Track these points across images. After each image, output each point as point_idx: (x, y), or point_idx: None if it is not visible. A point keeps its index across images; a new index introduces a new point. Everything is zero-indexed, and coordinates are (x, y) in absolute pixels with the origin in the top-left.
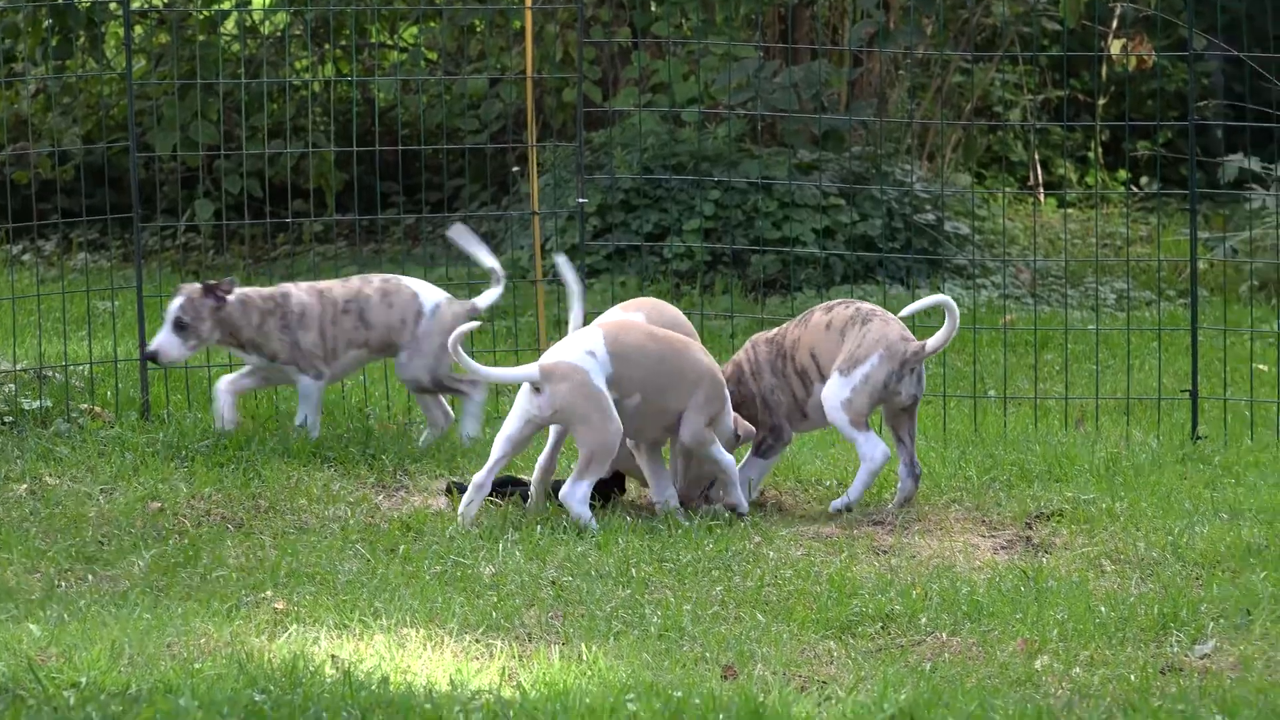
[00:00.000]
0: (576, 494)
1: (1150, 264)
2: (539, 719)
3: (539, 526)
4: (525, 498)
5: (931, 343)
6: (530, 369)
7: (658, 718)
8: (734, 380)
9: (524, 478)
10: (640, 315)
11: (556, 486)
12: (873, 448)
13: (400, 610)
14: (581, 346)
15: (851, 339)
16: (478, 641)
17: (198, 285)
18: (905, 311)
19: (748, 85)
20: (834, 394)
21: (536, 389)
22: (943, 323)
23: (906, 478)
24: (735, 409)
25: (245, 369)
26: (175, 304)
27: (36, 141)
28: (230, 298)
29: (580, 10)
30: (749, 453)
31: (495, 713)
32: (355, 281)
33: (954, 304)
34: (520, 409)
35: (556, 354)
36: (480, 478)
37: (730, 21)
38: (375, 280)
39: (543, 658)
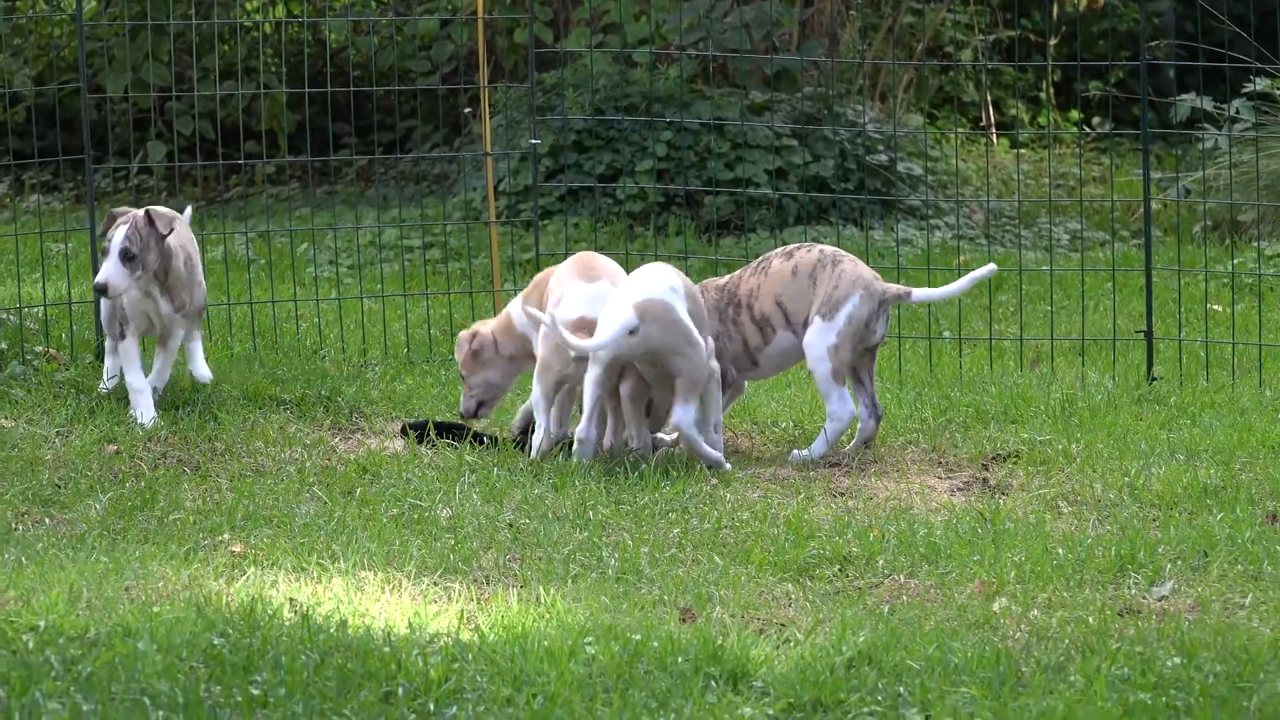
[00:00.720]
0: (687, 417)
1: (1104, 204)
2: (497, 662)
3: (496, 469)
4: (479, 440)
5: (920, 293)
6: (629, 319)
7: (616, 660)
8: None
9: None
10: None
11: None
12: (842, 406)
13: (358, 553)
14: (664, 282)
15: (825, 282)
16: (435, 584)
17: (139, 212)
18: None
19: (699, 25)
20: (819, 340)
21: (633, 332)
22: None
23: (867, 418)
24: None
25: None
26: (120, 234)
27: None
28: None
29: None
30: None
31: (453, 656)
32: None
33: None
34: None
35: (643, 292)
36: (583, 430)
37: None
38: (173, 220)
39: (501, 600)
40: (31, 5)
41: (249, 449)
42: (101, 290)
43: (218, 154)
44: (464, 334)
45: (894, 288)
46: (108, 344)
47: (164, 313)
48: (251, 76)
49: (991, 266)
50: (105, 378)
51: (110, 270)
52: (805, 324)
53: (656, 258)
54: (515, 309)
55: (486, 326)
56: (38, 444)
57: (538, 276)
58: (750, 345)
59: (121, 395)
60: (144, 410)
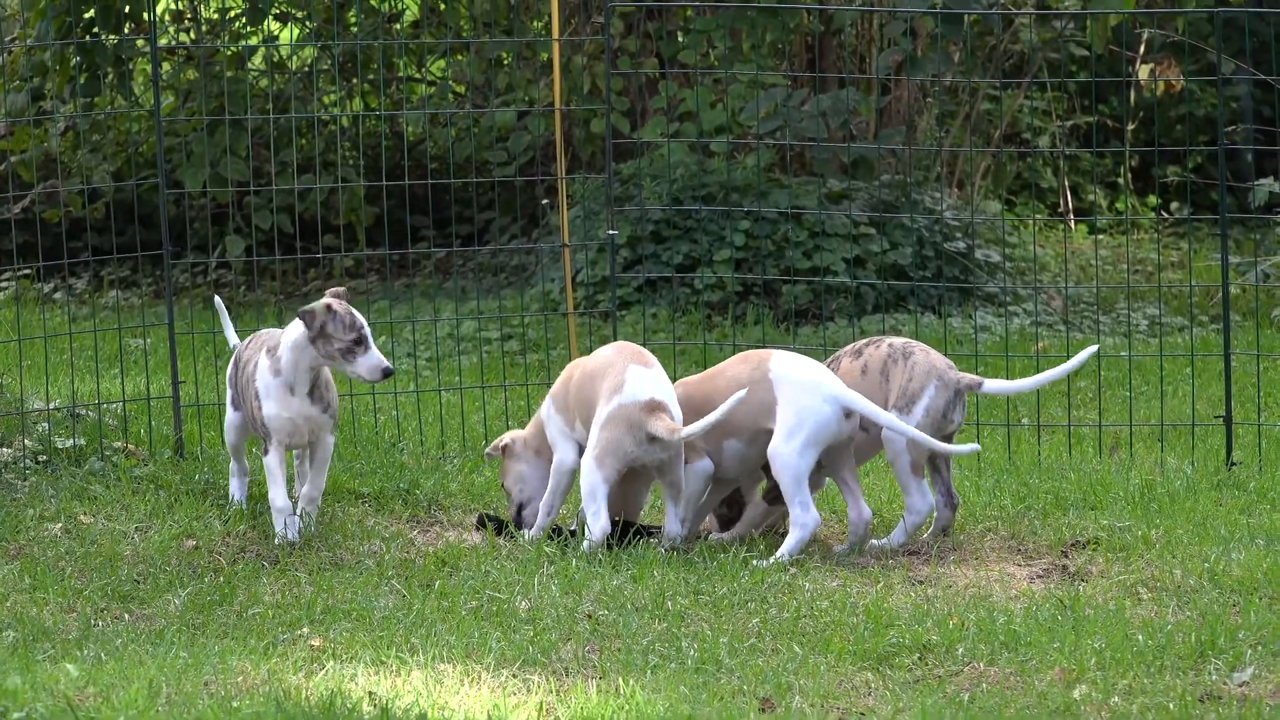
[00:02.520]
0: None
1: (1182, 290)
2: None
3: (574, 560)
4: (558, 533)
5: (992, 384)
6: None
7: None
8: None
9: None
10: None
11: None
12: (921, 499)
13: (437, 646)
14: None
15: (899, 376)
16: (515, 676)
17: (337, 298)
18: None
19: (776, 114)
20: (898, 436)
21: (849, 414)
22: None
23: (944, 507)
24: None
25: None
26: (361, 319)
27: (66, 179)
28: None
29: (607, 41)
30: (759, 497)
31: None
32: None
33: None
34: (823, 438)
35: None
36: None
37: (757, 49)
38: None
39: (580, 692)
40: (110, 101)
41: (327, 542)
42: (389, 373)
43: (296, 248)
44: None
45: (967, 376)
46: (232, 467)
47: (312, 415)
48: (329, 170)
49: (1068, 366)
50: (232, 500)
51: (380, 354)
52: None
53: (735, 348)
54: (544, 407)
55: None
56: (117, 540)
57: (565, 372)
58: None
59: (201, 491)
60: (291, 529)
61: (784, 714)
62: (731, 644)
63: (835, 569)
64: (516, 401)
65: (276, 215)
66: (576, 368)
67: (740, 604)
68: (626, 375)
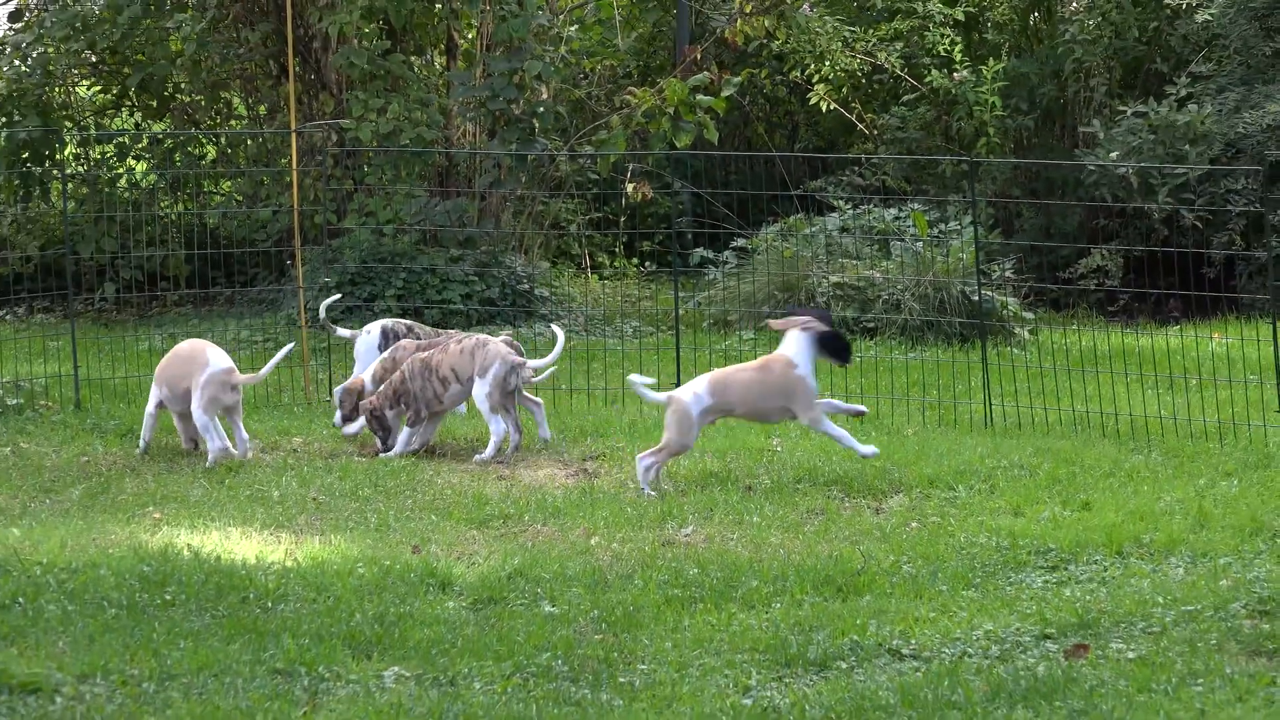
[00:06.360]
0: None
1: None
2: (307, 578)
3: (305, 466)
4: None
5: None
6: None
7: (375, 576)
8: None
9: None
10: None
11: None
12: (496, 425)
13: (225, 518)
14: None
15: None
16: (271, 535)
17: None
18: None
19: None
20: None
21: None
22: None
23: (514, 432)
24: None
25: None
26: None
27: None
28: None
29: None
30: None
31: (282, 575)
32: None
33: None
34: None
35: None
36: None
37: None
38: None
39: (309, 544)
40: None
41: (169, 454)
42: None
43: None
44: None
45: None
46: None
47: None
48: None
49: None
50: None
51: None
52: None
53: None
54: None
55: None
56: (43, 457)
57: None
58: None
59: (90, 429)
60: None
61: (426, 555)
62: (397, 515)
63: (460, 467)
64: None
65: None
66: None
67: (402, 489)
68: (208, 355)
